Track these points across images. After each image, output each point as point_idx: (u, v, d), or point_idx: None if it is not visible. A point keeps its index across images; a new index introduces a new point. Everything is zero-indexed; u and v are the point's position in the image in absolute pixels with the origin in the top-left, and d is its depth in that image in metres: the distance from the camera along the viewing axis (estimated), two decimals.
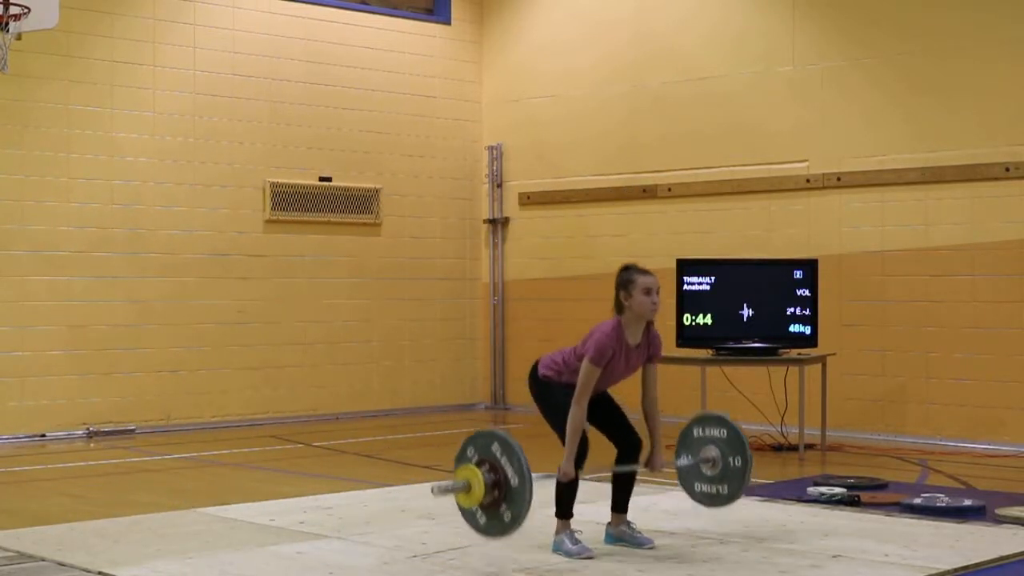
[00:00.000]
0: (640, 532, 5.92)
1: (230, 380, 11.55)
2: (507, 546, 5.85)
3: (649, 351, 5.82)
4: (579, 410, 5.62)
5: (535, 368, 5.91)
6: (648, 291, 5.68)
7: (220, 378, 11.49)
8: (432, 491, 5.40)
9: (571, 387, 5.69)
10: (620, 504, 5.93)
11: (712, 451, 6.11)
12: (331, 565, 5.53)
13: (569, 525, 5.73)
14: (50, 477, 8.74)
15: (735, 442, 6.09)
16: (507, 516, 5.32)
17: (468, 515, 5.46)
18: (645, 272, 5.73)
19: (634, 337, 5.73)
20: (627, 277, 5.72)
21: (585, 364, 5.64)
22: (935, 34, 10.39)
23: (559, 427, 5.70)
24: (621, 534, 5.91)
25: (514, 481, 5.27)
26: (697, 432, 6.21)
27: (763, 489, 7.76)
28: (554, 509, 5.75)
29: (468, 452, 5.44)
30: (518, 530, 5.32)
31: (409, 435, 11.07)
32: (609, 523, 5.97)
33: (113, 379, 10.88)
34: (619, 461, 5.88)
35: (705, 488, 6.20)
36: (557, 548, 5.71)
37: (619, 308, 5.73)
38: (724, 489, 6.15)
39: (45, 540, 6.07)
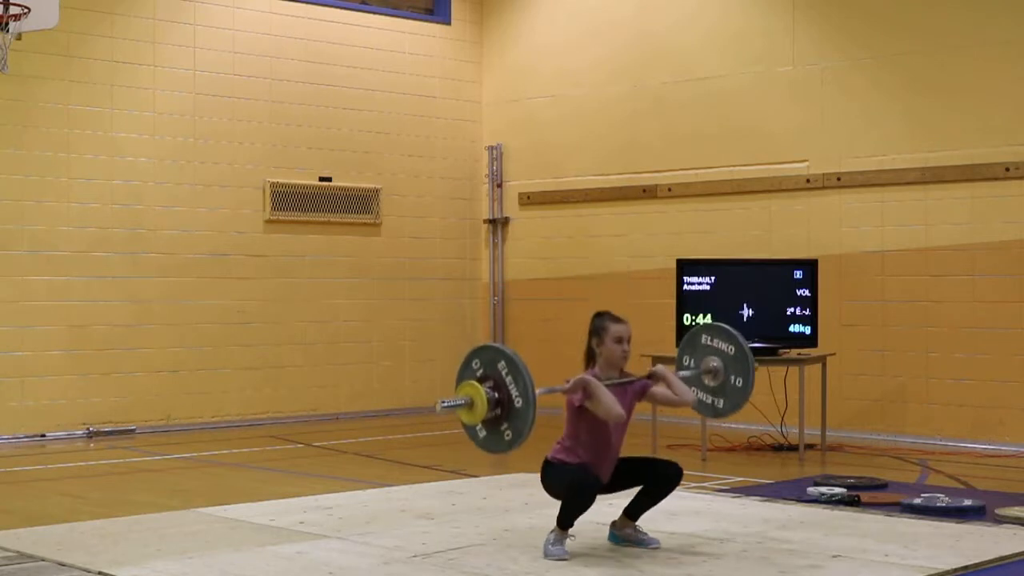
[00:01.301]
0: (646, 534, 5.91)
1: (230, 380, 11.55)
2: (508, 546, 5.86)
3: (637, 387, 5.75)
4: (608, 397, 5.47)
5: (545, 460, 5.80)
6: (620, 339, 5.65)
7: (220, 378, 11.49)
8: (436, 407, 5.40)
9: (576, 464, 5.62)
10: (637, 512, 5.88)
11: (715, 362, 6.08)
12: (331, 565, 5.53)
13: (564, 533, 5.69)
14: (50, 477, 8.74)
15: (741, 362, 6.03)
16: (508, 435, 5.33)
17: (469, 430, 5.48)
18: (618, 320, 5.70)
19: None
20: (600, 324, 5.70)
21: (587, 379, 5.52)
22: (935, 34, 10.39)
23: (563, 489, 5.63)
24: (627, 536, 5.90)
25: (518, 403, 5.28)
26: (705, 340, 6.16)
27: (763, 489, 7.76)
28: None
29: (473, 364, 5.45)
30: (519, 448, 5.33)
31: (409, 435, 11.07)
32: (615, 523, 5.95)
33: (113, 379, 10.88)
34: (656, 486, 5.80)
35: (701, 396, 6.15)
36: (544, 546, 5.72)
37: (589, 354, 5.71)
38: (720, 403, 6.12)
39: (45, 540, 6.07)
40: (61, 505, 7.35)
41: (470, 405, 5.35)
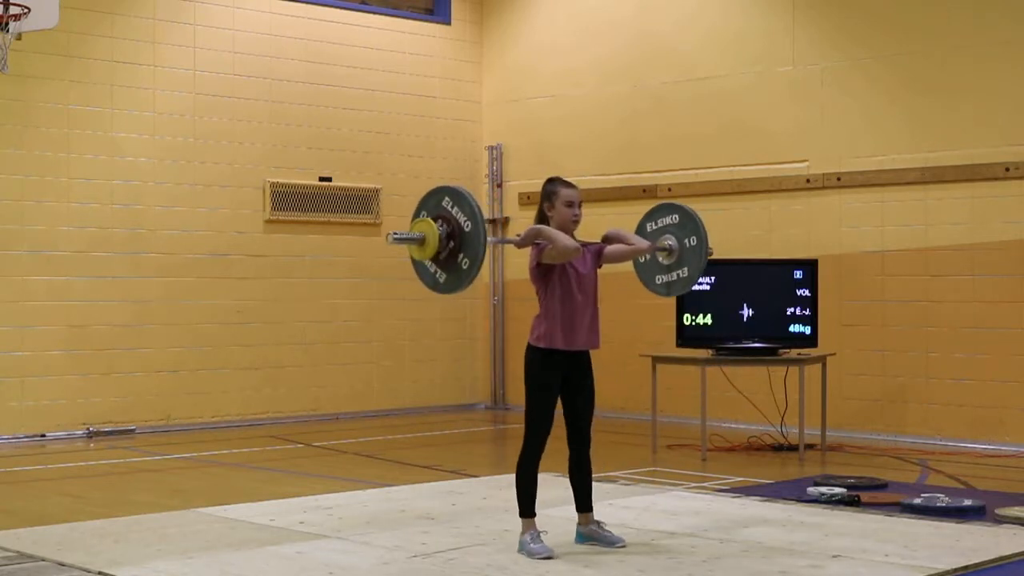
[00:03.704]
0: (610, 531, 5.91)
1: (230, 380, 11.55)
2: (508, 546, 5.85)
3: (593, 249, 5.96)
4: (560, 235, 5.67)
5: (527, 344, 5.89)
6: (570, 203, 5.82)
7: (220, 378, 11.49)
8: (387, 239, 5.53)
9: (543, 343, 5.73)
10: (583, 504, 5.92)
11: (667, 240, 6.20)
12: (331, 565, 5.53)
13: (533, 524, 5.72)
14: (50, 477, 8.74)
15: (688, 223, 6.14)
16: (465, 263, 5.44)
17: (425, 273, 5.60)
18: (568, 184, 5.87)
19: None
20: (551, 189, 5.88)
21: (536, 227, 5.70)
22: (935, 34, 10.39)
23: (527, 406, 5.74)
24: (591, 532, 5.90)
25: (467, 227, 5.41)
26: (650, 227, 6.32)
27: (763, 489, 7.76)
28: (525, 508, 5.74)
29: (421, 215, 5.58)
30: (476, 276, 5.44)
31: (409, 435, 11.07)
32: (578, 522, 5.96)
33: (113, 379, 10.88)
34: (572, 463, 5.88)
35: (665, 278, 6.26)
36: (521, 548, 5.70)
37: (541, 220, 5.85)
38: (684, 272, 6.21)
39: (45, 540, 6.07)
40: (61, 505, 7.35)
41: (422, 241, 5.47)
